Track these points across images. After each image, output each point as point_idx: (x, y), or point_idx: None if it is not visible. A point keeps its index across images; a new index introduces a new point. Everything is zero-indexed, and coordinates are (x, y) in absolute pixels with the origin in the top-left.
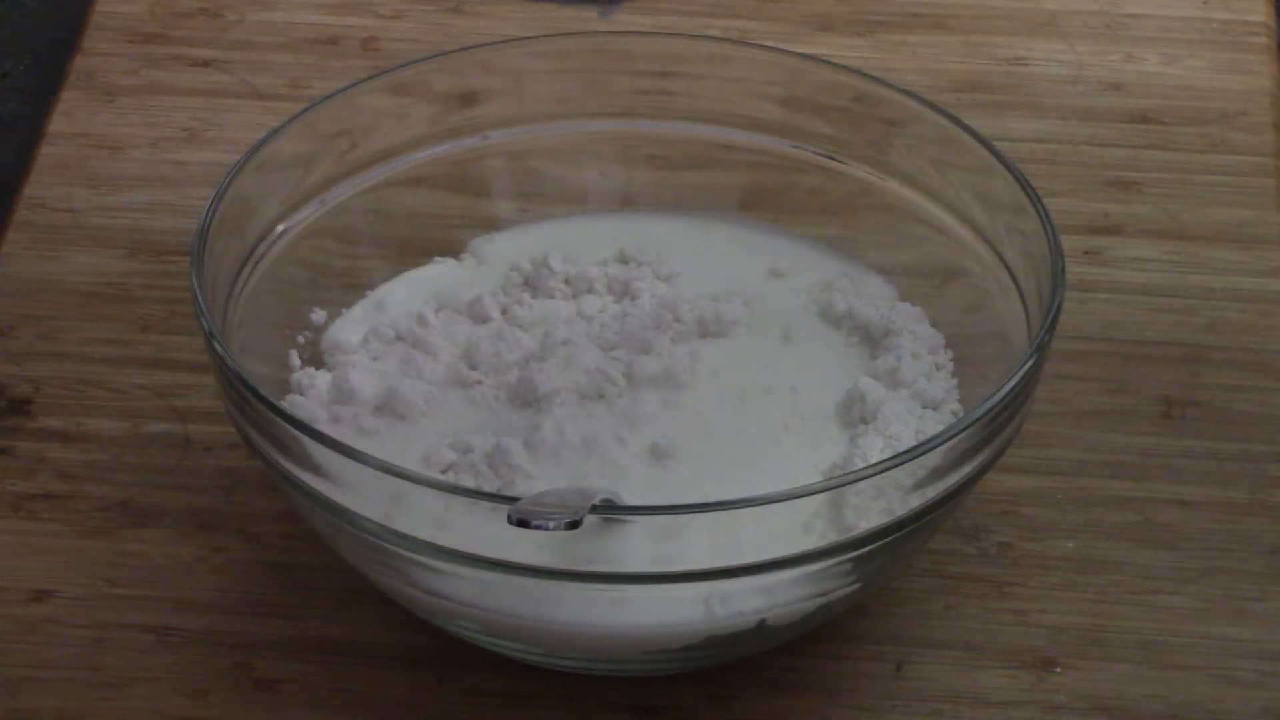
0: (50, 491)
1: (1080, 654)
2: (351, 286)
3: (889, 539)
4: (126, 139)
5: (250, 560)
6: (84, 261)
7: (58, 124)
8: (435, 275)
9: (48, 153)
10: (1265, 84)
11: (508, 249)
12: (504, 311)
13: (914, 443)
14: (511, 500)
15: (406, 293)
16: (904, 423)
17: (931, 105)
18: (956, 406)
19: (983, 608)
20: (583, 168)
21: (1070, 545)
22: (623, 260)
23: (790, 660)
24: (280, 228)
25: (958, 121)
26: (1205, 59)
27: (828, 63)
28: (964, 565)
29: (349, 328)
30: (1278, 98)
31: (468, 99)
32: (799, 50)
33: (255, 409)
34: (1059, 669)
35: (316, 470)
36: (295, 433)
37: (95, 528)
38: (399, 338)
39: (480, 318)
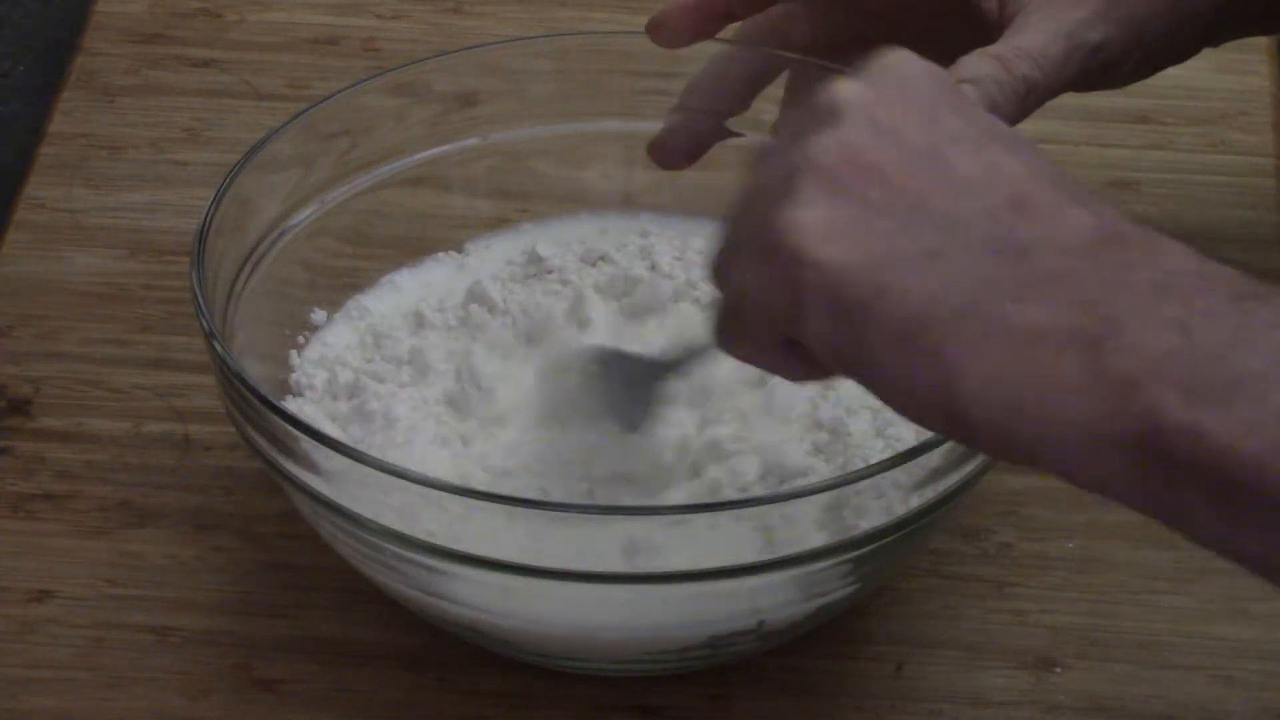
0: (50, 491)
1: (1080, 654)
2: (351, 286)
3: (888, 539)
4: (126, 139)
5: (250, 560)
6: (84, 261)
7: (58, 124)
8: (432, 274)
9: (48, 153)
10: (1265, 84)
11: (507, 250)
12: (502, 302)
13: (914, 442)
14: (514, 501)
15: (404, 292)
16: (905, 423)
17: None
18: None
19: (983, 608)
20: (583, 168)
21: (1070, 545)
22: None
23: (790, 660)
24: (280, 228)
25: None
26: (1205, 59)
27: (827, 63)
28: (964, 565)
29: (345, 329)
30: (1278, 98)
31: (468, 99)
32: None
33: (255, 409)
34: (1059, 669)
35: (316, 470)
36: (295, 433)
37: (95, 528)
38: (392, 338)
39: (483, 300)
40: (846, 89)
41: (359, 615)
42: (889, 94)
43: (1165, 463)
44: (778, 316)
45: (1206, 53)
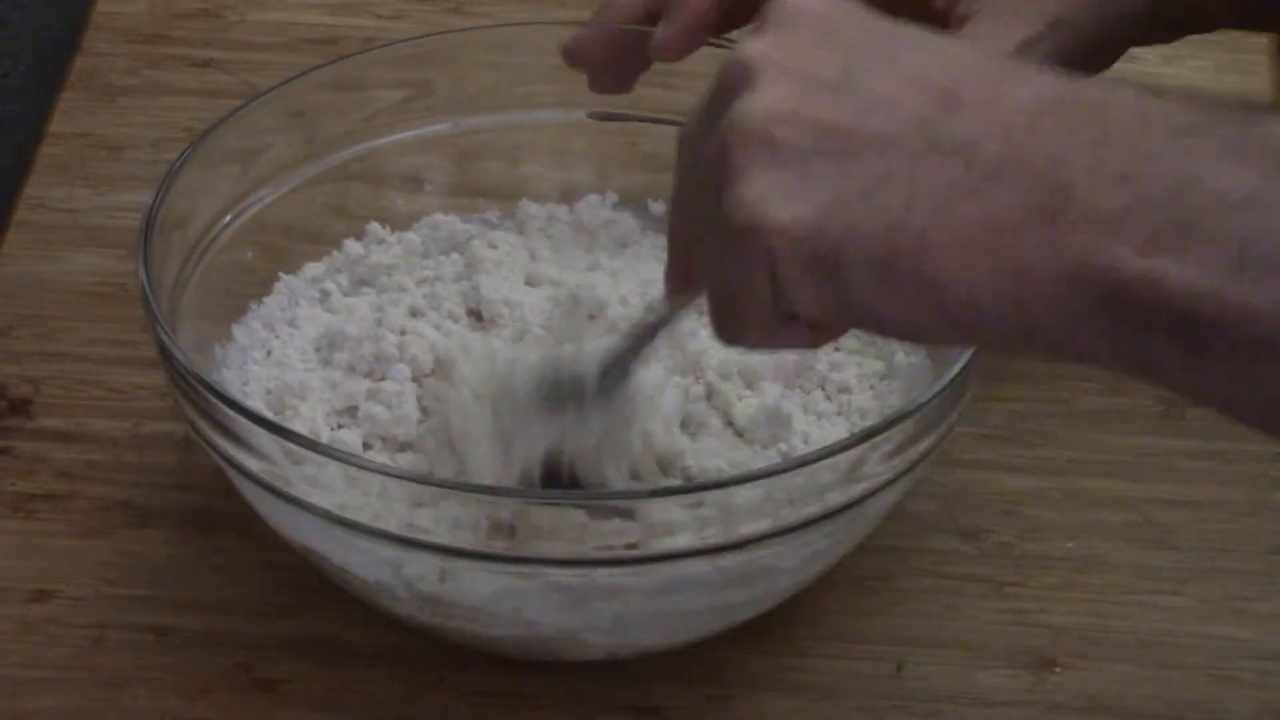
0: (50, 491)
1: (1080, 654)
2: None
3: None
4: (126, 139)
5: (250, 560)
6: (84, 261)
7: (58, 124)
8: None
9: (48, 153)
10: (1265, 84)
11: (503, 249)
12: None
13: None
14: (483, 490)
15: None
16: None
17: None
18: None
19: (983, 608)
20: (523, 162)
21: (1070, 545)
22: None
23: (790, 660)
24: (228, 216)
25: None
26: (1205, 59)
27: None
28: (964, 565)
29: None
30: (1278, 98)
31: (420, 88)
32: None
33: (202, 397)
34: (1059, 669)
35: (266, 459)
36: (238, 418)
37: (95, 528)
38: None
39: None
40: (747, 50)
41: (359, 615)
42: (788, 38)
43: (1134, 316)
44: (764, 296)
45: (1207, 53)
